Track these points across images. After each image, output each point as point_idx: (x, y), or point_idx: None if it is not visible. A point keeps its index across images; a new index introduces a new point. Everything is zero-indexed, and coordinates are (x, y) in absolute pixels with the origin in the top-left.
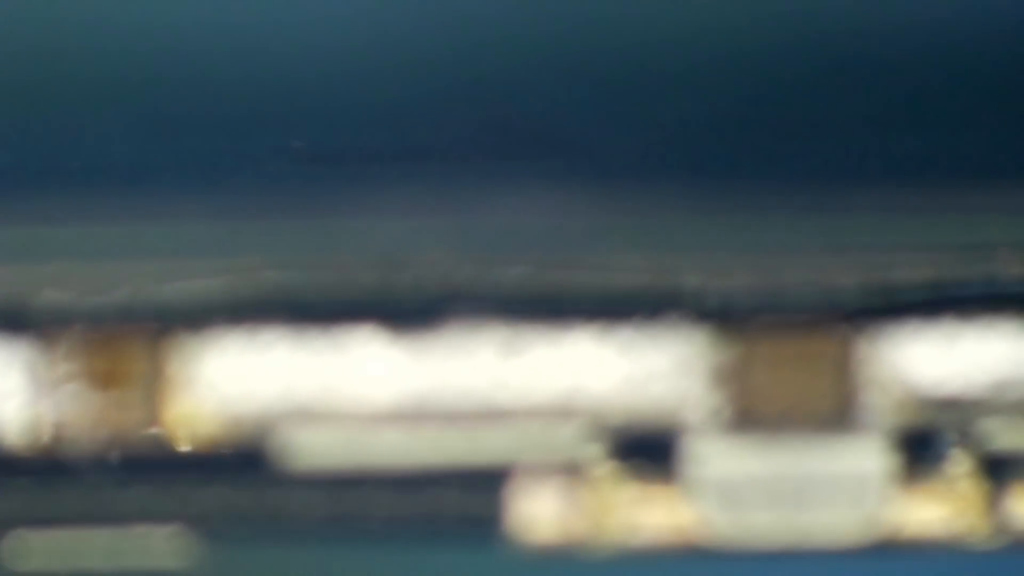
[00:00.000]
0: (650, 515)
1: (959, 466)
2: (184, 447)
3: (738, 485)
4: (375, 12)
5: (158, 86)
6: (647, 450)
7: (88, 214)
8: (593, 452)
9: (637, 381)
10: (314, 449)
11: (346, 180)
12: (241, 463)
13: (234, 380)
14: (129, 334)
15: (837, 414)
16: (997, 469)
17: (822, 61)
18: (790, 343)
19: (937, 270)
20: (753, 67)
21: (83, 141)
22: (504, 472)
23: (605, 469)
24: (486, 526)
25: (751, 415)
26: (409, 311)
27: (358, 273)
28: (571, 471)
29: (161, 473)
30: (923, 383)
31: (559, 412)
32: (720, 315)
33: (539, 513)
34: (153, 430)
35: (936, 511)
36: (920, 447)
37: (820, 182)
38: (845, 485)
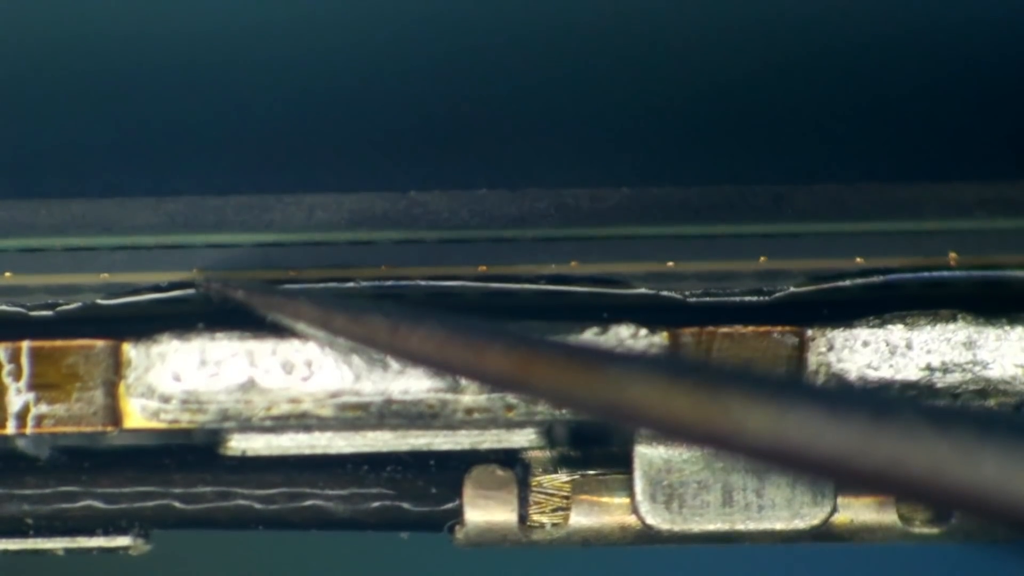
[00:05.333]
0: (600, 510)
1: None
2: (134, 455)
3: (688, 479)
4: (323, 31)
5: (97, 99)
6: (599, 448)
7: (37, 224)
8: (545, 449)
9: None
10: (264, 455)
11: (294, 189)
12: (191, 470)
13: (184, 389)
14: (79, 344)
15: None
16: None
17: (755, 70)
18: (739, 337)
19: (880, 264)
20: (698, 74)
21: (30, 153)
22: (456, 466)
23: (557, 464)
24: (439, 519)
25: None
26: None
27: (306, 282)
28: (522, 466)
29: (112, 479)
30: (866, 375)
31: (511, 413)
32: (670, 318)
33: (490, 506)
34: (104, 437)
35: (882, 502)
36: None
37: (767, 184)
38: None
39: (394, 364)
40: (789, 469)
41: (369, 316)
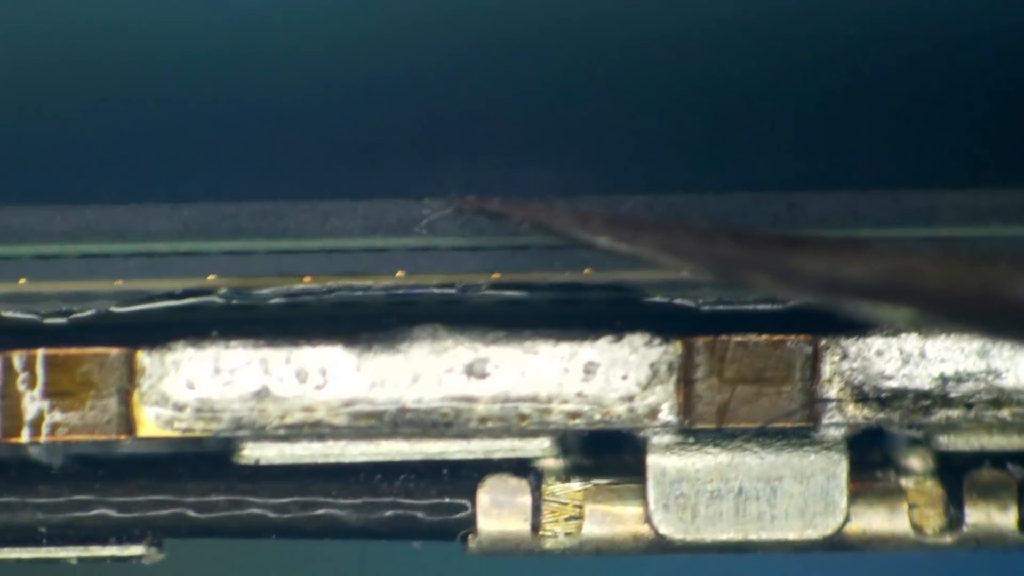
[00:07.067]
0: (613, 519)
1: (917, 465)
2: (147, 463)
3: (701, 489)
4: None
5: (113, 105)
6: (612, 457)
7: (50, 231)
8: (558, 458)
9: (602, 393)
10: (277, 464)
11: (309, 195)
12: (205, 478)
13: (198, 397)
14: (93, 352)
15: (799, 415)
16: (954, 468)
17: (769, 76)
18: (753, 346)
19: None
20: (712, 80)
21: (43, 159)
22: (469, 475)
23: (570, 473)
24: (452, 528)
25: (713, 419)
26: (372, 329)
27: (321, 291)
28: (535, 475)
29: (126, 487)
30: (880, 384)
31: (524, 422)
32: (684, 326)
33: (503, 516)
34: (117, 445)
35: (895, 510)
36: (879, 446)
37: (781, 191)
38: (806, 486)
39: (407, 372)
40: None
41: (629, 217)
